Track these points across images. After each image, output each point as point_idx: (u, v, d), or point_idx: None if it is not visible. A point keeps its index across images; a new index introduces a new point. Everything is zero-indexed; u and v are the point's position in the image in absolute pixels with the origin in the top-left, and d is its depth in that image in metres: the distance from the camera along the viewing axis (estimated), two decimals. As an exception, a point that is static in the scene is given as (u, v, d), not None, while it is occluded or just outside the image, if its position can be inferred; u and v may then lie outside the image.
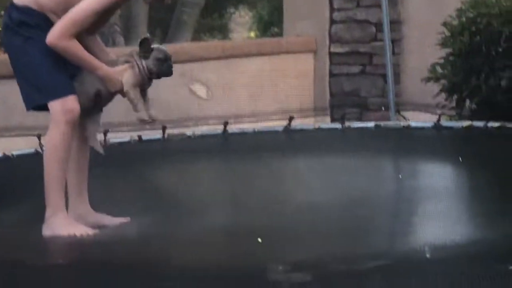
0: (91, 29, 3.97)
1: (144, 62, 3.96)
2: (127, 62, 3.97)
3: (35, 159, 5.22)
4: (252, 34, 11.94)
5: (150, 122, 4.04)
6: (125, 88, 3.94)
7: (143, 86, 3.99)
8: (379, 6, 7.60)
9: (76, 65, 3.93)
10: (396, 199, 4.54)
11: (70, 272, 3.35)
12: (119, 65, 3.98)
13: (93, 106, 4.01)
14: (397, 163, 5.39)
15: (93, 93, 3.97)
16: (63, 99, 3.86)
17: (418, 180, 4.91)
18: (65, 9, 3.87)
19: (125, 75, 3.95)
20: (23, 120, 5.71)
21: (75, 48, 3.85)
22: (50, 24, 3.87)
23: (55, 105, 3.87)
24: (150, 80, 4.01)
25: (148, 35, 4.03)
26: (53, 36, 3.81)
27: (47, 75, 3.85)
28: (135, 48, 4.01)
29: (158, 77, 4.02)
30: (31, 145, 5.50)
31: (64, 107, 3.87)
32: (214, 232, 3.87)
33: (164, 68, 3.98)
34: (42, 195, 4.03)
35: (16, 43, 3.88)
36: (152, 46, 3.99)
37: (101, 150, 4.04)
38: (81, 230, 3.88)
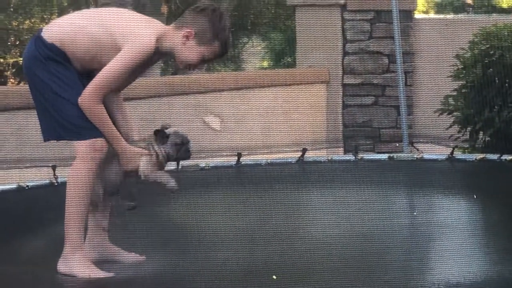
0: (117, 88, 4.00)
1: (163, 149, 4.00)
2: (146, 148, 4.00)
3: (50, 190, 5.26)
4: (265, 64, 11.96)
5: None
6: (144, 175, 3.95)
7: (160, 169, 4.01)
8: (391, 37, 7.62)
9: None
10: (409, 234, 4.52)
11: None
12: (140, 147, 4.00)
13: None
14: (410, 196, 5.38)
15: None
16: (93, 140, 3.87)
17: (432, 213, 4.90)
18: (92, 60, 3.90)
19: (142, 162, 3.97)
20: (37, 151, 5.73)
21: (100, 113, 3.86)
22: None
23: (83, 144, 3.87)
24: (165, 164, 4.05)
25: (165, 126, 4.10)
26: (83, 97, 3.83)
27: (77, 115, 3.85)
28: (151, 136, 4.03)
29: (176, 161, 4.08)
30: (45, 177, 5.51)
31: (93, 146, 3.87)
32: (228, 268, 3.86)
33: (182, 152, 4.03)
34: (57, 227, 4.04)
35: (42, 76, 3.88)
36: (168, 131, 4.02)
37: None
38: (96, 274, 3.86)
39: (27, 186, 5.38)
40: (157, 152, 3.98)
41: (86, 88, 3.84)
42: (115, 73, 3.83)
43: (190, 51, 3.91)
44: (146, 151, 3.97)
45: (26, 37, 10.14)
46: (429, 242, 4.37)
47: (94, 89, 3.83)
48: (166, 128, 4.04)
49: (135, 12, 4.26)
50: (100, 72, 3.83)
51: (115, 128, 3.92)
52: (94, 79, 3.85)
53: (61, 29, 3.94)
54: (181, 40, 3.91)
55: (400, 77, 7.06)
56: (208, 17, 3.92)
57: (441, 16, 10.88)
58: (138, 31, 3.86)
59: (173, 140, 4.00)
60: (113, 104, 4.02)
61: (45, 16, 10.07)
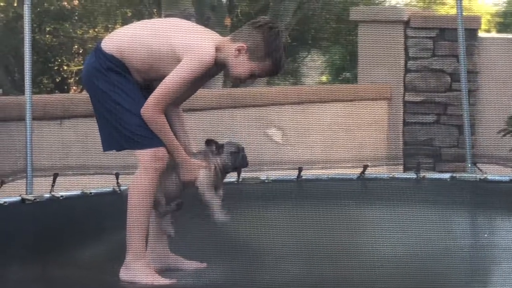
0: (178, 100, 4.01)
1: (219, 160, 4.00)
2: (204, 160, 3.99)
3: (113, 197, 5.31)
4: (324, 78, 11.96)
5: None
6: (201, 190, 3.95)
7: (217, 184, 4.01)
8: (454, 56, 7.55)
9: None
10: (471, 255, 4.47)
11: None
12: (198, 159, 4.01)
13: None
14: (473, 217, 5.32)
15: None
16: (155, 149, 3.90)
17: (495, 236, 4.84)
18: (150, 70, 3.92)
19: (201, 174, 3.97)
20: (100, 158, 5.79)
21: (162, 124, 3.89)
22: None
23: (145, 153, 3.90)
24: (224, 175, 4.05)
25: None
26: (146, 108, 3.86)
27: (139, 125, 3.88)
28: (205, 148, 4.05)
29: (234, 170, 4.10)
30: (108, 184, 5.56)
31: (155, 156, 3.90)
32: (289, 282, 3.84)
33: (239, 160, 4.03)
34: (119, 234, 4.07)
35: (102, 87, 3.92)
36: (222, 143, 4.03)
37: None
38: (159, 281, 3.89)
39: (91, 193, 5.45)
40: (214, 163, 3.99)
41: (148, 99, 3.87)
42: (177, 84, 3.84)
43: (240, 65, 3.90)
44: (205, 163, 3.97)
45: (90, 45, 10.28)
46: (490, 265, 4.32)
47: (156, 99, 3.85)
48: (217, 143, 4.04)
49: (192, 23, 4.28)
50: (162, 83, 3.86)
51: (175, 138, 3.94)
52: (156, 89, 3.87)
53: (119, 40, 3.98)
54: (234, 53, 3.90)
55: (465, 96, 6.99)
56: (264, 34, 3.89)
57: (505, 35, 10.76)
58: (198, 43, 3.87)
59: (228, 149, 4.01)
60: (172, 116, 4.04)
61: (109, 26, 10.19)
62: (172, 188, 4.00)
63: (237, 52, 3.89)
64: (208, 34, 3.99)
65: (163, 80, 3.86)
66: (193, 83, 3.93)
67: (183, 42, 3.87)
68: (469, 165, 6.50)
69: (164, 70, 3.88)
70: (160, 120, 3.87)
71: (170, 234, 4.05)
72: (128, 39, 3.96)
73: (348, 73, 10.90)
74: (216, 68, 3.99)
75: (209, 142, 4.02)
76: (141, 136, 3.89)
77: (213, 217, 3.97)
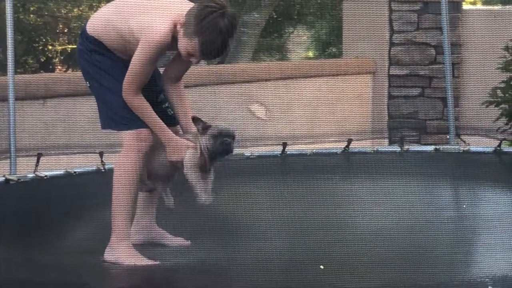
0: (174, 75, 3.98)
1: (204, 142, 3.87)
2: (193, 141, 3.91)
3: (97, 176, 5.31)
4: (310, 53, 11.94)
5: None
6: (185, 170, 3.88)
7: (204, 167, 3.90)
8: (438, 28, 7.55)
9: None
10: (455, 226, 4.49)
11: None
12: (188, 139, 3.93)
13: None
14: (456, 188, 5.34)
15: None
16: (137, 130, 3.89)
17: (478, 206, 4.87)
18: (125, 50, 3.87)
19: (187, 154, 3.90)
20: (84, 137, 5.79)
21: (139, 106, 3.85)
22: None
23: (128, 134, 3.90)
24: (211, 160, 3.91)
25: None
26: (122, 92, 3.84)
27: (122, 106, 3.87)
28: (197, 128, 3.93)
29: (215, 155, 3.87)
30: (92, 163, 5.56)
31: (138, 137, 3.89)
32: (273, 257, 3.85)
33: (217, 145, 3.85)
34: (103, 213, 4.08)
35: (88, 68, 3.93)
36: (209, 124, 3.90)
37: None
38: (142, 262, 3.88)
39: (75, 172, 5.44)
40: (201, 145, 3.90)
41: (123, 83, 3.85)
42: (139, 68, 3.80)
43: (179, 40, 3.78)
44: (192, 143, 3.94)
45: (75, 25, 10.24)
46: (474, 235, 4.35)
47: (127, 84, 3.83)
48: (203, 122, 3.93)
49: None
50: (129, 67, 3.83)
51: (158, 118, 3.90)
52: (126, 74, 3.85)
53: (96, 21, 3.96)
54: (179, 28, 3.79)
55: (448, 69, 7.00)
56: (195, 11, 3.74)
57: (489, 7, 10.76)
58: (151, 24, 3.78)
59: (211, 132, 3.89)
60: (173, 94, 4.01)
61: (93, 4, 10.14)
62: (159, 167, 3.98)
63: (179, 25, 3.78)
64: (168, 9, 3.84)
65: (130, 64, 3.82)
66: (178, 55, 3.86)
67: (139, 22, 3.80)
68: (451, 137, 6.53)
69: (131, 51, 3.84)
70: (136, 102, 3.84)
71: (170, 207, 4.01)
72: (101, 20, 3.93)
73: (334, 48, 10.89)
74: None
75: (195, 119, 3.93)
76: (123, 117, 3.88)
77: (196, 199, 3.91)
